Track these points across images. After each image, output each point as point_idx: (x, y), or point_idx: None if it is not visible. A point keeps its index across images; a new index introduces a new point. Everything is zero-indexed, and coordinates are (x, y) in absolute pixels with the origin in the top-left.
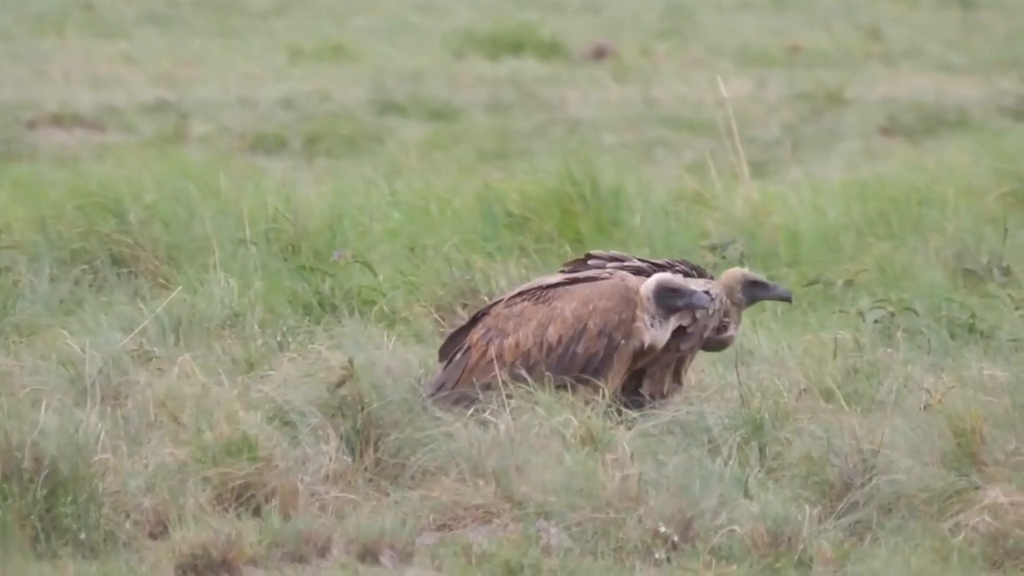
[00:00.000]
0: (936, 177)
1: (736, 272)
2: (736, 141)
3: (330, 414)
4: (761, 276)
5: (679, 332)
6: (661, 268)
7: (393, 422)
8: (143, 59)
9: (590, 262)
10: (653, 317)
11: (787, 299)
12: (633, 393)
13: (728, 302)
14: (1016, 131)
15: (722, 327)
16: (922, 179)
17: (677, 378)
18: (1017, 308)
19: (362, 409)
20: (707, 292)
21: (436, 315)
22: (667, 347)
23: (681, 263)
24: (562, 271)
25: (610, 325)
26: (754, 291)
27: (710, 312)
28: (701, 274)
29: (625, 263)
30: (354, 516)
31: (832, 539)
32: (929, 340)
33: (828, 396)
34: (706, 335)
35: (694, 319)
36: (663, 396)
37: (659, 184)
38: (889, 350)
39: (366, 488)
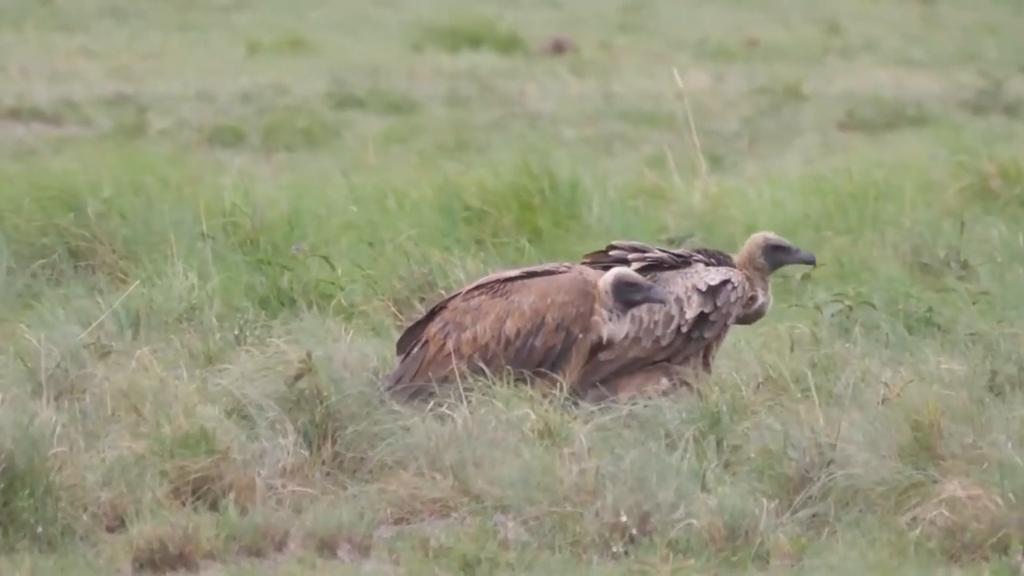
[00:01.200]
0: (894, 171)
1: (757, 236)
2: (694, 135)
3: (288, 408)
4: (784, 240)
5: (702, 320)
6: (684, 259)
7: (351, 416)
8: (101, 53)
9: (611, 252)
10: (611, 311)
11: (811, 263)
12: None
13: (752, 272)
14: (975, 125)
15: (750, 301)
16: (880, 173)
17: (706, 365)
18: (974, 302)
19: (320, 403)
20: (731, 281)
21: (394, 309)
22: (689, 336)
23: (701, 251)
24: (584, 262)
25: (568, 319)
26: (776, 255)
27: (732, 299)
28: (721, 261)
29: (647, 254)
30: (311, 510)
31: (789, 533)
32: (887, 334)
33: (786, 390)
34: (731, 322)
35: (716, 306)
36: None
37: (617, 178)
38: (847, 344)
39: (324, 482)
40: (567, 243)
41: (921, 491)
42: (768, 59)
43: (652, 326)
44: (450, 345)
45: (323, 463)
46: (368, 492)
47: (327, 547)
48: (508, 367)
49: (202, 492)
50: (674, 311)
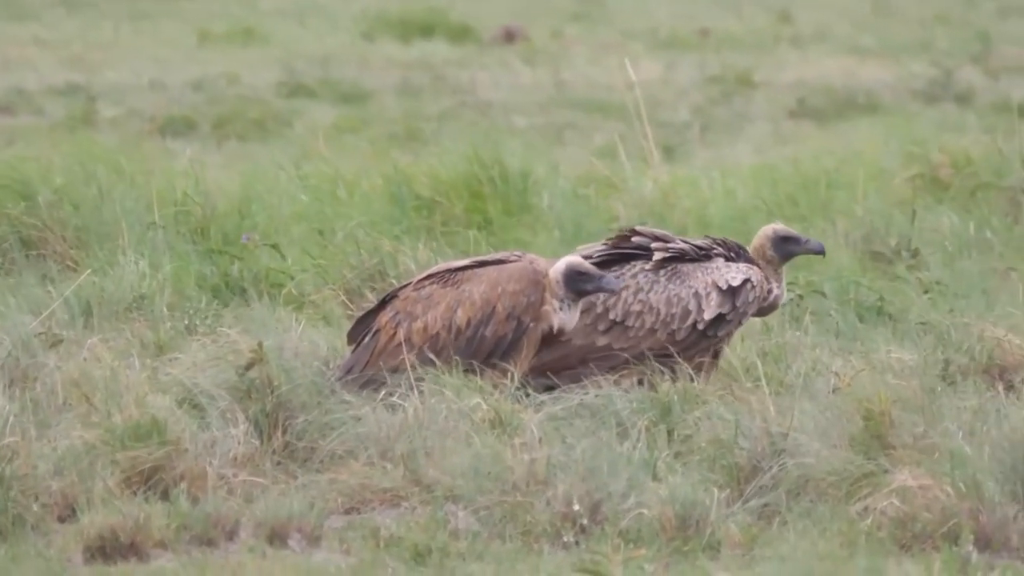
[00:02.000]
0: (845, 160)
1: (766, 228)
2: (646, 124)
3: (239, 397)
4: (792, 231)
5: (718, 320)
6: (704, 250)
7: (302, 405)
8: (53, 42)
9: (634, 239)
10: (562, 300)
11: (820, 252)
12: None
13: (764, 264)
14: (926, 115)
15: (766, 295)
16: (831, 162)
17: (715, 356)
18: (925, 291)
19: (271, 392)
20: (750, 280)
21: (345, 298)
22: (705, 334)
23: (722, 244)
24: (605, 244)
25: (519, 308)
26: (785, 246)
27: (750, 299)
28: (739, 255)
29: (670, 244)
30: (262, 499)
31: (740, 522)
32: (838, 323)
33: (736, 379)
34: (746, 320)
35: (734, 306)
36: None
37: (569, 167)
38: (798, 333)
39: (274, 471)
40: (518, 232)
41: (872, 481)
42: (719, 48)
43: (669, 319)
44: (401, 335)
45: (274, 453)
46: (319, 482)
47: (278, 536)
48: (458, 357)
49: (153, 482)
50: (692, 306)
